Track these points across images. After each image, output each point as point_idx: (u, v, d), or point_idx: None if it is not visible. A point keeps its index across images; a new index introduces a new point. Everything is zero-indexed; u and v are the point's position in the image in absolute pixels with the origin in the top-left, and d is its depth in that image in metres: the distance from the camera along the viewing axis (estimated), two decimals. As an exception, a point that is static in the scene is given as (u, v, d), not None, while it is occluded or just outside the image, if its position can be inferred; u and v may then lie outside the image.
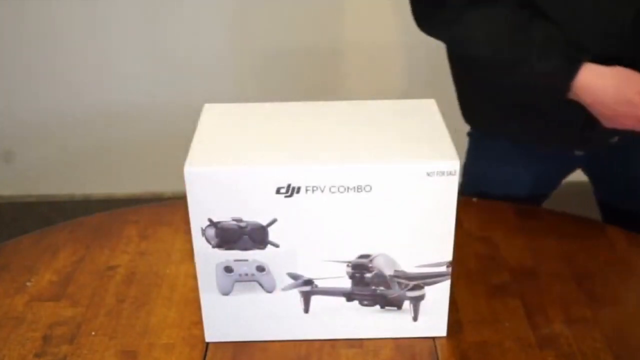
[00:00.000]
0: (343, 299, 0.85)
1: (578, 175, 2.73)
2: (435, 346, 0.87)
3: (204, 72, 2.32)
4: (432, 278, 0.84)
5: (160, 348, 0.89)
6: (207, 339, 0.88)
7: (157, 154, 2.49)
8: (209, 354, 0.88)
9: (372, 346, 0.87)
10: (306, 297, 0.85)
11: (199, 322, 0.93)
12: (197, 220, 0.81)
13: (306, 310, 0.86)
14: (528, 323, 0.91)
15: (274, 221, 0.80)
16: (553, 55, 0.95)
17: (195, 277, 1.01)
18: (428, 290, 0.84)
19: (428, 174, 0.78)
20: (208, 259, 0.84)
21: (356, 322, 0.86)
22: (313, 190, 0.78)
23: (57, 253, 1.08)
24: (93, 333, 0.91)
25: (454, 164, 0.78)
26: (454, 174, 0.79)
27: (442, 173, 0.78)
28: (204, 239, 0.82)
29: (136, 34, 2.33)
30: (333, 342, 0.88)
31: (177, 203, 1.22)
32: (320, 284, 0.84)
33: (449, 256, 0.83)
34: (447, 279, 0.84)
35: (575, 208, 1.19)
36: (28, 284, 1.01)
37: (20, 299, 0.98)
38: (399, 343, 0.87)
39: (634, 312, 0.94)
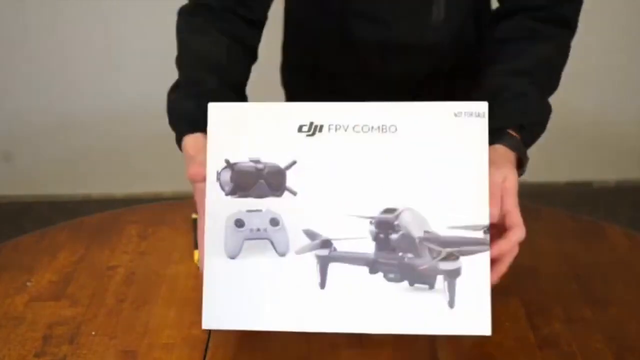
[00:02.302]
0: (366, 270, 0.75)
1: (578, 176, 2.74)
2: (435, 346, 0.87)
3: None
4: (467, 246, 0.75)
5: (160, 348, 0.89)
6: (205, 325, 0.79)
7: (157, 154, 2.49)
8: (209, 354, 0.88)
9: (371, 345, 0.86)
10: (323, 265, 0.75)
11: (199, 322, 0.92)
12: (214, 162, 0.77)
13: (322, 285, 0.76)
14: (528, 323, 0.91)
15: (293, 163, 0.76)
16: (192, 107, 0.89)
17: (195, 278, 1.01)
18: (464, 263, 0.75)
19: (456, 115, 0.75)
20: (219, 211, 0.78)
21: (381, 305, 0.75)
22: (336, 129, 0.75)
23: (57, 253, 1.08)
24: (93, 333, 0.91)
25: (482, 105, 0.76)
26: (483, 117, 0.76)
27: (471, 114, 0.75)
28: (217, 185, 0.77)
29: (136, 34, 2.33)
30: (336, 342, 0.87)
31: (177, 203, 1.22)
32: (339, 246, 0.76)
33: (485, 219, 0.76)
34: (485, 250, 0.76)
35: (575, 208, 1.19)
36: (28, 284, 1.01)
37: (20, 299, 0.98)
38: (397, 339, 0.87)
39: (634, 312, 0.93)
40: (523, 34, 0.98)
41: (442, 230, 0.76)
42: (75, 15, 2.32)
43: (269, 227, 0.77)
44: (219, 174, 0.78)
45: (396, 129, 0.76)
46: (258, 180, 0.76)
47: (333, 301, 0.75)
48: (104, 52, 2.35)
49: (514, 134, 0.90)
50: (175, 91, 0.94)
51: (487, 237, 0.76)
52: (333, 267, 0.76)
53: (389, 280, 0.75)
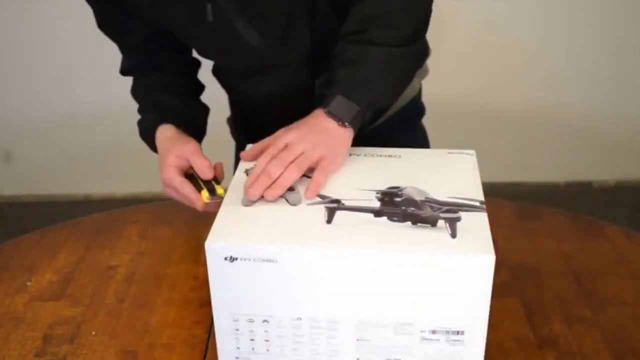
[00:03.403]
0: (370, 215, 0.79)
1: (578, 175, 2.74)
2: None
3: (205, 71, 2.32)
4: (466, 207, 0.80)
5: (160, 348, 0.89)
6: (208, 243, 0.75)
7: (157, 154, 2.49)
8: (209, 354, 0.88)
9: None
10: (331, 211, 0.79)
11: (199, 322, 0.93)
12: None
13: (329, 222, 0.78)
14: (528, 323, 0.91)
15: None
16: (145, 117, 1.08)
17: (195, 277, 1.01)
18: (464, 215, 0.79)
19: (449, 153, 0.93)
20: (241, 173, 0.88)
21: (385, 236, 0.76)
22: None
23: (57, 253, 1.08)
24: (93, 333, 0.91)
25: (471, 152, 0.92)
26: (472, 155, 0.91)
27: (461, 153, 0.92)
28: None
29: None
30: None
31: (177, 203, 1.22)
32: (347, 204, 0.81)
33: (480, 196, 0.83)
34: (483, 212, 0.80)
35: (575, 208, 1.19)
36: (28, 284, 1.01)
37: (20, 299, 0.98)
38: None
39: (634, 312, 0.94)
40: None
41: (443, 197, 0.82)
42: (75, 15, 2.32)
43: (286, 191, 0.83)
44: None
45: (400, 157, 0.91)
46: None
47: (339, 231, 0.77)
48: (104, 51, 2.35)
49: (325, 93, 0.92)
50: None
51: (484, 207, 0.81)
52: (340, 213, 0.80)
53: (393, 221, 0.78)
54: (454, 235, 0.76)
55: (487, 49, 2.32)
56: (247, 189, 0.82)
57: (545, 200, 2.40)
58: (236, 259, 0.75)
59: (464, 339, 0.77)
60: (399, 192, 0.83)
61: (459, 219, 0.78)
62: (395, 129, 1.16)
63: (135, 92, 1.13)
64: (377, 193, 0.83)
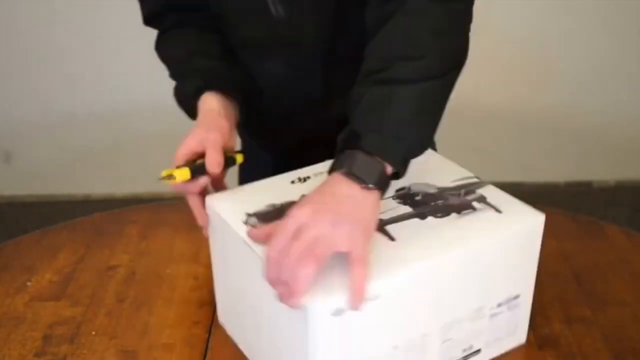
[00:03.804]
0: (417, 219, 0.78)
1: (578, 175, 2.74)
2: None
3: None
4: (475, 185, 0.85)
5: (160, 348, 0.89)
6: (310, 304, 0.67)
7: (157, 154, 2.49)
8: (209, 354, 0.88)
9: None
10: (381, 228, 0.76)
11: (199, 322, 0.93)
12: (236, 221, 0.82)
13: (393, 239, 0.74)
14: (528, 323, 0.91)
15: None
16: (188, 83, 0.97)
17: (195, 278, 1.01)
18: (482, 192, 0.84)
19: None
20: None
21: (451, 234, 0.76)
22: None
23: (57, 253, 1.08)
24: (93, 333, 0.91)
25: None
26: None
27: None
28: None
29: (136, 33, 2.33)
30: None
31: (177, 203, 1.21)
32: (382, 217, 0.78)
33: (469, 173, 0.88)
34: (488, 184, 0.85)
35: (575, 208, 1.19)
36: (28, 284, 1.01)
37: (20, 299, 0.98)
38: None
39: (634, 312, 0.94)
40: (373, 25, 0.83)
41: (448, 183, 0.85)
42: (75, 15, 2.32)
43: None
44: (247, 223, 0.78)
45: None
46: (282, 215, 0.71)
47: (411, 245, 0.74)
48: (104, 52, 2.35)
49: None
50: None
51: (482, 179, 0.86)
52: (391, 227, 0.77)
53: (439, 218, 0.78)
54: (498, 210, 0.80)
55: (487, 50, 2.32)
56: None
57: (545, 200, 2.40)
58: (343, 310, 0.68)
59: (519, 301, 0.83)
60: (411, 191, 0.83)
61: (484, 198, 0.82)
62: None
63: (167, 49, 1.04)
64: (394, 198, 0.82)
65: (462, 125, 2.41)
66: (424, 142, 0.79)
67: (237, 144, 0.97)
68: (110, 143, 2.48)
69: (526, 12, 2.33)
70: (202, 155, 0.85)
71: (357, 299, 0.67)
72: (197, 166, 0.85)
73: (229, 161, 0.88)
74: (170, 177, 0.84)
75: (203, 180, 0.85)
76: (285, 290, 0.66)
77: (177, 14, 1.03)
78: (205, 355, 0.87)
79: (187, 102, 0.95)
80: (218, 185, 0.89)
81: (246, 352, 0.86)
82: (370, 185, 0.71)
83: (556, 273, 1.01)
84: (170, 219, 1.15)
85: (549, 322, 0.91)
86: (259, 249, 0.72)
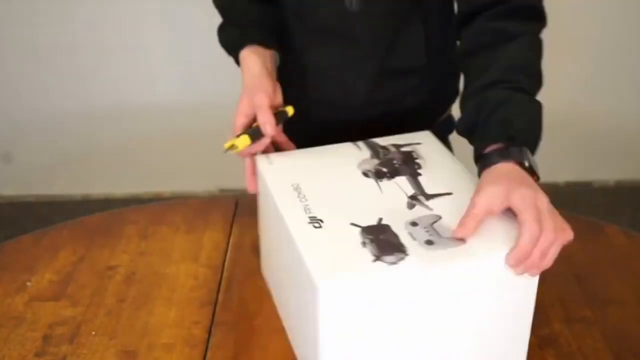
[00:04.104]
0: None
1: (578, 175, 2.74)
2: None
3: (204, 71, 2.32)
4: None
5: (160, 348, 0.89)
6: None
7: (157, 154, 2.49)
8: (209, 354, 0.88)
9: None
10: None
11: (199, 322, 0.93)
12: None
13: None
14: None
15: None
16: (227, 33, 1.07)
17: (195, 278, 1.01)
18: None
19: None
20: None
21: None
22: None
23: (57, 253, 1.08)
24: (93, 333, 0.91)
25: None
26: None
27: None
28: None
29: (135, 34, 2.33)
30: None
31: (177, 203, 1.22)
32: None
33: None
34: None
35: (575, 208, 1.19)
36: (28, 284, 1.01)
37: (20, 299, 0.98)
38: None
39: (634, 312, 0.94)
40: (485, 39, 0.92)
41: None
42: (76, 15, 2.32)
43: None
44: None
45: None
46: None
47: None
48: (104, 52, 2.35)
49: (502, 146, 0.83)
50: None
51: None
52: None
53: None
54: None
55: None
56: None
57: (545, 200, 2.40)
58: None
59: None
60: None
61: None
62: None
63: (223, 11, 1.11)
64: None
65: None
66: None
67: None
68: (110, 143, 2.48)
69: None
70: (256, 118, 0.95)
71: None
72: (254, 130, 0.93)
73: (281, 116, 0.96)
74: (233, 147, 0.91)
75: (265, 141, 0.94)
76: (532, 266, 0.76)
77: None
78: (205, 355, 0.87)
79: (230, 52, 1.05)
80: (280, 140, 0.98)
81: (277, 306, 0.92)
82: (538, 178, 0.82)
83: (556, 273, 1.01)
84: (170, 219, 1.15)
85: (549, 322, 0.91)
86: (290, 220, 0.78)
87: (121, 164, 2.52)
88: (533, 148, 0.84)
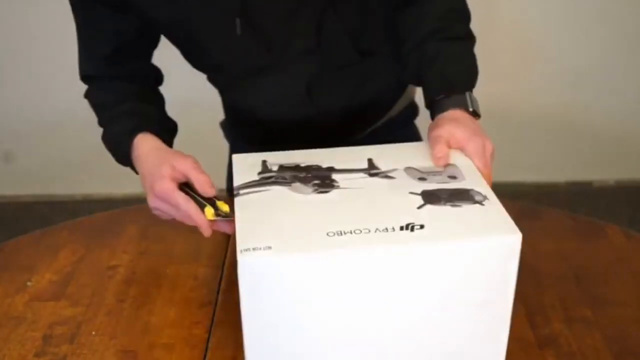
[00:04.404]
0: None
1: (578, 175, 2.74)
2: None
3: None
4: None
5: (160, 348, 0.89)
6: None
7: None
8: (209, 354, 0.88)
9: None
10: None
11: (199, 322, 0.93)
12: None
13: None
14: (528, 323, 0.91)
15: None
16: (119, 125, 1.01)
17: (195, 278, 1.01)
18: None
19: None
20: None
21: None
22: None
23: (57, 253, 1.08)
24: (93, 333, 0.91)
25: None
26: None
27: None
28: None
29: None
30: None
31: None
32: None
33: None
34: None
35: (575, 208, 1.19)
36: (28, 284, 1.01)
37: (20, 298, 0.98)
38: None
39: (634, 312, 0.94)
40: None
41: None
42: (75, 15, 2.32)
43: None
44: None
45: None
46: None
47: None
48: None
49: (443, 97, 0.95)
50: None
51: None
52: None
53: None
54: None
55: (487, 49, 2.32)
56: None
57: (545, 200, 2.40)
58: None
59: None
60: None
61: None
62: (394, 129, 1.18)
63: (98, 99, 1.08)
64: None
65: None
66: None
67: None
68: (110, 143, 2.48)
69: (527, 12, 2.33)
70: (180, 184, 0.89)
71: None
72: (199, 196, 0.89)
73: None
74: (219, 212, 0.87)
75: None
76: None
77: (120, 65, 1.07)
78: (205, 355, 0.87)
79: (120, 142, 0.99)
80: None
81: None
82: (479, 116, 0.96)
83: (556, 273, 1.01)
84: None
85: (549, 322, 0.91)
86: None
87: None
88: (472, 87, 0.97)
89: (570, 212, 1.17)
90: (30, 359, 0.87)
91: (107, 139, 1.03)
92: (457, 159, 0.87)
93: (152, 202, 0.92)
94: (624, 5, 2.35)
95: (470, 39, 1.01)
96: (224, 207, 0.87)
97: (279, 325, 0.73)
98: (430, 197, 0.78)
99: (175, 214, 0.90)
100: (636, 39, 2.41)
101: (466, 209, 0.76)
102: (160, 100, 1.11)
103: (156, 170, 0.90)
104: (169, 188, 0.88)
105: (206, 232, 0.87)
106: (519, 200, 1.20)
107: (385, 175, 0.83)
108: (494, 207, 0.77)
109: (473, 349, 0.78)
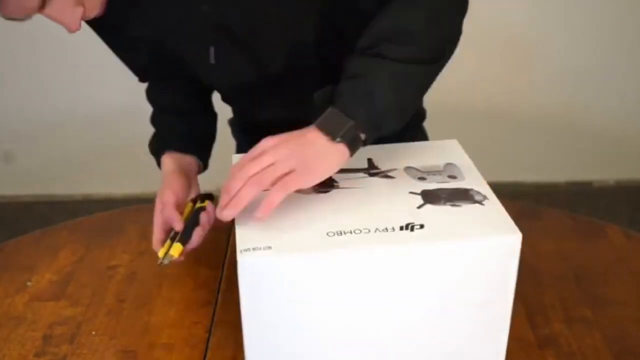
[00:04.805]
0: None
1: (578, 175, 2.74)
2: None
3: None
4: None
5: (160, 348, 0.89)
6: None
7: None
8: (209, 354, 0.88)
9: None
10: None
11: (199, 322, 0.93)
12: None
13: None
14: (528, 323, 0.91)
15: None
16: (155, 139, 1.15)
17: (195, 278, 1.01)
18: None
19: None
20: None
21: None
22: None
23: (57, 253, 1.08)
24: (93, 333, 0.91)
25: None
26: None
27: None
28: None
29: (136, 34, 2.34)
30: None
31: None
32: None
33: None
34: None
35: (575, 208, 1.19)
36: (28, 284, 1.01)
37: (20, 298, 0.98)
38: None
39: (634, 312, 0.94)
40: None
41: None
42: (75, 15, 2.32)
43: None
44: None
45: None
46: None
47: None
48: (104, 51, 2.35)
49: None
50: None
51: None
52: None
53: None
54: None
55: (487, 49, 2.32)
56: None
57: (545, 200, 2.40)
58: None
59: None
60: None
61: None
62: (402, 133, 1.15)
63: (151, 96, 1.19)
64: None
65: (462, 125, 2.41)
66: (398, 114, 0.82)
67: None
68: (110, 143, 2.48)
69: (527, 11, 2.33)
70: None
71: (260, 214, 0.73)
72: (182, 234, 0.95)
73: (199, 211, 0.97)
74: (167, 255, 0.92)
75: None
76: (226, 198, 0.76)
77: (160, 79, 1.14)
78: (205, 355, 0.87)
79: (155, 155, 1.12)
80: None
81: None
82: (338, 139, 0.77)
83: (556, 273, 1.01)
84: (170, 219, 1.15)
85: (549, 322, 0.91)
86: None
87: (121, 164, 2.52)
88: (357, 109, 0.79)
89: (570, 212, 1.17)
90: (30, 359, 0.87)
91: (152, 148, 1.14)
92: (457, 158, 0.87)
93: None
94: (624, 5, 2.34)
95: (405, 63, 0.81)
96: (174, 251, 0.91)
97: (278, 325, 0.73)
98: (430, 197, 0.78)
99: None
100: (636, 39, 2.41)
101: (466, 208, 0.76)
102: (200, 105, 1.17)
103: (161, 193, 1.00)
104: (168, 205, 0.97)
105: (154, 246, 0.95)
106: (519, 200, 1.20)
107: (385, 175, 0.83)
108: (494, 207, 0.77)
109: (473, 349, 0.78)
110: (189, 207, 0.99)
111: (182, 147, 1.08)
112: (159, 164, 1.09)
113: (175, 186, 1.00)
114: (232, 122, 1.26)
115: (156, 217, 0.96)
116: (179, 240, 0.93)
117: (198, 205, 0.98)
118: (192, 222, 0.95)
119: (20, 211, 2.54)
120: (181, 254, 0.91)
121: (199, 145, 1.12)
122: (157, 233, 0.95)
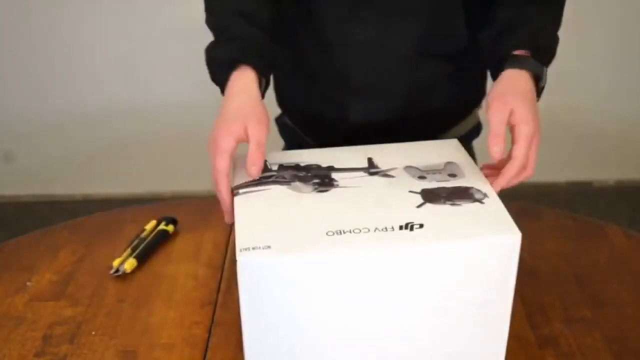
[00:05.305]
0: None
1: (578, 175, 2.74)
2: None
3: (204, 70, 2.32)
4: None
5: (160, 348, 0.89)
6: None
7: (157, 154, 2.49)
8: (209, 354, 0.88)
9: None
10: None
11: (199, 322, 0.93)
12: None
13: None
14: (528, 323, 0.91)
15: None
16: (223, 49, 0.94)
17: (195, 278, 1.01)
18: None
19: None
20: None
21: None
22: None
23: (57, 253, 1.08)
24: (93, 333, 0.91)
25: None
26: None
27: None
28: None
29: (136, 34, 2.34)
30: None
31: (177, 203, 1.22)
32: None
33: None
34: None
35: (575, 208, 1.19)
36: (28, 284, 1.01)
37: (20, 299, 0.98)
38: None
39: (634, 312, 0.94)
40: None
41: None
42: (76, 15, 2.32)
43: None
44: None
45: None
46: None
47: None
48: (104, 52, 2.35)
49: (525, 54, 0.93)
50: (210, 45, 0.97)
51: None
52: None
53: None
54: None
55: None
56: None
57: (545, 200, 2.40)
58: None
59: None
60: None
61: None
62: (458, 116, 1.17)
63: (214, 8, 1.01)
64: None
65: (462, 125, 2.41)
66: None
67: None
68: (110, 143, 2.48)
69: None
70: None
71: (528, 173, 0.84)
72: (141, 250, 1.04)
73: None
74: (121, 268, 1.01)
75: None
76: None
77: None
78: (205, 355, 0.87)
79: (220, 70, 0.92)
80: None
81: None
82: (542, 85, 0.93)
83: (556, 273, 1.01)
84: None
85: (549, 322, 0.91)
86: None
87: (121, 164, 2.52)
88: (549, 63, 0.96)
89: (570, 212, 1.17)
90: (31, 359, 0.87)
91: (209, 57, 0.96)
92: (458, 157, 0.87)
93: (213, 156, 0.84)
94: (624, 6, 2.35)
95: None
96: (127, 265, 1.01)
97: (278, 325, 0.73)
98: (430, 196, 0.78)
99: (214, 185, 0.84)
100: (636, 39, 2.41)
101: (466, 207, 0.76)
102: (272, 23, 0.99)
103: (224, 134, 0.84)
104: (223, 170, 0.82)
105: (226, 218, 0.85)
106: (519, 200, 1.20)
107: (385, 174, 0.83)
108: (494, 206, 0.77)
109: (473, 348, 0.78)
110: (151, 225, 1.09)
111: (262, 67, 0.92)
112: (221, 79, 0.92)
113: (267, 120, 0.85)
114: (281, 117, 1.20)
115: (223, 154, 0.82)
116: (136, 257, 1.01)
117: (162, 227, 1.07)
118: (153, 242, 1.05)
119: (20, 211, 2.54)
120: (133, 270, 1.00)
121: (271, 67, 0.97)
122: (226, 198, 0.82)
